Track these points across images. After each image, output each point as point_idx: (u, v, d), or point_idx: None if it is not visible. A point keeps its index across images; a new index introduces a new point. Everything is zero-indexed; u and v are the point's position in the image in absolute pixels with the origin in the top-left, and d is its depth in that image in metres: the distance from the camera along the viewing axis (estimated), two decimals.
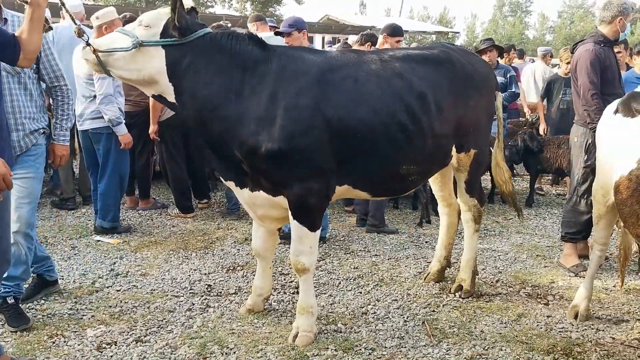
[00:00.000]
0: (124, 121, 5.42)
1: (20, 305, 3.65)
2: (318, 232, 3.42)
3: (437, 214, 5.05)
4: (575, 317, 3.83)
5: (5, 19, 3.45)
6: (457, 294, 4.20)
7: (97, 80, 5.20)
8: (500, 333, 3.63)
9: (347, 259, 4.98)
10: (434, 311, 3.95)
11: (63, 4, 3.44)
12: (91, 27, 5.48)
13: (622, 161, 3.25)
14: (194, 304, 3.97)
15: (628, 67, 6.80)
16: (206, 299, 4.07)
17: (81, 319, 3.73)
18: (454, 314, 3.90)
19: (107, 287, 4.25)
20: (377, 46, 6.15)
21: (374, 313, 3.90)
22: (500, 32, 58.59)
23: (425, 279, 4.49)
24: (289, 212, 3.35)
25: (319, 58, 3.38)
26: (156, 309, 3.89)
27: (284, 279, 4.47)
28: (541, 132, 7.92)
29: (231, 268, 4.72)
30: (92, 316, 3.77)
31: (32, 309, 3.83)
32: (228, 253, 5.09)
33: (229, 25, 7.38)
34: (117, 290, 4.20)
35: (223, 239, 5.49)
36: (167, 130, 6.13)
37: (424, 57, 3.70)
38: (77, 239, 5.41)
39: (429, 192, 5.80)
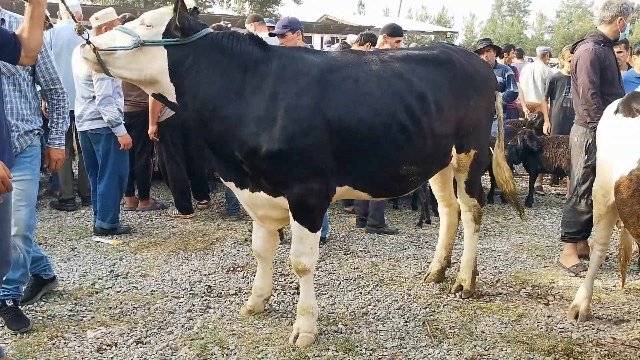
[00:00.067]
0: (123, 122, 5.41)
1: (19, 307, 3.64)
2: (318, 232, 3.42)
3: (436, 214, 5.06)
4: (576, 317, 3.83)
5: (3, 20, 3.43)
6: (457, 294, 4.20)
7: (96, 81, 5.20)
8: (501, 333, 3.63)
9: (347, 260, 4.98)
10: (434, 311, 3.95)
11: (63, 2, 3.43)
12: (89, 28, 5.46)
13: (622, 161, 3.25)
14: (194, 305, 3.96)
15: (629, 67, 6.80)
16: (206, 300, 4.06)
17: (81, 320, 3.72)
18: (454, 315, 3.90)
19: (107, 289, 4.25)
20: (377, 46, 6.15)
21: (375, 313, 3.90)
22: (499, 31, 58.66)
23: (425, 279, 4.49)
24: (290, 213, 3.35)
25: (319, 58, 3.38)
26: (156, 310, 3.88)
27: (285, 280, 4.47)
28: (545, 130, 7.93)
29: (231, 269, 4.72)
30: (92, 317, 3.76)
31: (32, 310, 3.83)
32: (228, 254, 5.09)
33: (229, 25, 7.36)
34: (117, 292, 4.20)
35: (223, 240, 5.48)
36: (167, 131, 6.13)
37: (424, 57, 3.70)
38: (76, 240, 5.40)
39: (429, 192, 5.80)
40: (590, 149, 4.47)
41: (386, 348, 3.42)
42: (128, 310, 3.87)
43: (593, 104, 4.53)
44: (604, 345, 3.50)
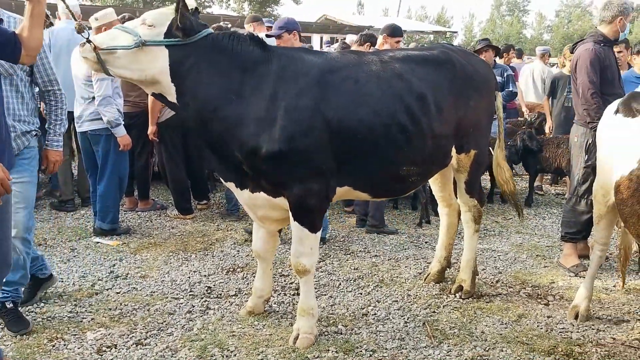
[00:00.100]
0: (122, 123, 5.40)
1: (19, 309, 3.64)
2: (319, 233, 3.42)
3: (436, 214, 5.05)
4: (576, 317, 3.83)
5: (1, 20, 3.42)
6: (457, 294, 4.19)
7: (95, 81, 5.19)
8: (501, 334, 3.63)
9: (347, 260, 4.98)
10: (434, 312, 3.94)
11: (63, 0, 3.41)
12: (89, 28, 5.45)
13: (622, 161, 3.25)
14: (194, 306, 3.96)
15: (630, 67, 6.79)
16: (206, 301, 4.06)
17: (81, 321, 3.72)
18: (454, 315, 3.89)
19: (107, 290, 4.24)
20: (376, 46, 6.15)
21: (375, 314, 3.89)
22: (498, 31, 58.69)
23: (425, 279, 4.49)
24: (290, 214, 3.35)
25: (319, 59, 3.38)
26: (156, 312, 3.88)
27: (285, 281, 4.47)
28: (547, 130, 7.93)
29: (231, 270, 4.71)
30: (92, 319, 3.76)
31: (32, 312, 3.82)
32: (228, 254, 5.08)
33: (229, 26, 7.36)
34: (117, 293, 4.19)
35: (223, 241, 5.48)
36: (166, 131, 6.12)
37: (424, 57, 3.70)
38: (76, 241, 5.40)
39: (429, 193, 5.80)
40: (591, 149, 4.47)
41: (386, 349, 3.42)
42: (128, 312, 3.87)
43: (593, 104, 4.54)
44: (604, 345, 3.50)
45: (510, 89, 7.46)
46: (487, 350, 3.42)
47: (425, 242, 5.57)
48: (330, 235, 5.60)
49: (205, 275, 4.56)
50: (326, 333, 3.59)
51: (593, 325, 3.77)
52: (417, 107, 3.45)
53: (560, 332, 3.68)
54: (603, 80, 4.58)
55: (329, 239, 5.52)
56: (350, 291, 4.29)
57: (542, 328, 3.73)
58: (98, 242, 5.35)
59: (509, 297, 4.21)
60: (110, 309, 3.90)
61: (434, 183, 4.34)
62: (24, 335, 3.48)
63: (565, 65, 7.64)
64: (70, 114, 5.56)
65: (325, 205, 3.48)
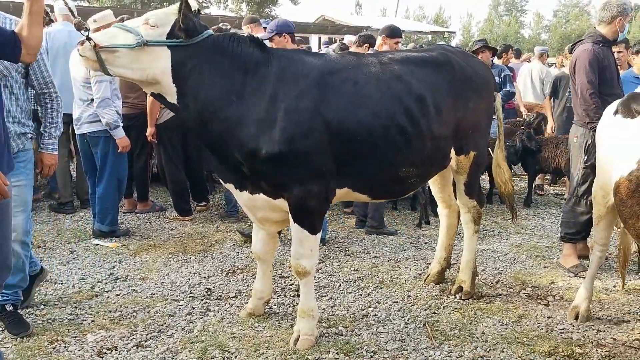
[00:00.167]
0: (121, 124, 5.39)
1: (19, 311, 3.63)
2: (319, 234, 3.41)
3: (436, 215, 5.06)
4: (576, 318, 3.83)
5: None
6: (457, 295, 4.20)
7: (94, 83, 5.18)
8: (501, 335, 3.63)
9: (346, 261, 4.98)
10: (434, 313, 3.95)
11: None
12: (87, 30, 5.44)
13: (621, 162, 3.25)
14: (194, 308, 3.96)
15: (630, 67, 6.80)
16: (206, 302, 4.06)
17: (81, 324, 3.71)
18: (454, 316, 3.90)
19: (107, 292, 4.24)
20: (375, 47, 6.15)
21: (375, 315, 3.90)
22: (496, 31, 58.75)
23: (425, 280, 4.49)
24: (289, 215, 3.35)
25: (318, 60, 3.38)
26: (156, 313, 3.87)
27: (285, 282, 4.46)
28: (549, 130, 7.93)
29: (231, 271, 4.71)
30: (92, 321, 3.75)
31: (32, 314, 3.82)
32: (227, 256, 5.08)
33: (229, 27, 7.35)
34: (117, 295, 4.19)
35: (222, 242, 5.48)
36: (165, 133, 6.12)
37: (423, 59, 3.70)
38: (75, 243, 5.39)
39: (428, 193, 5.80)
40: (590, 150, 4.47)
41: (387, 350, 3.42)
42: (128, 314, 3.86)
43: (592, 104, 4.54)
44: (604, 346, 3.51)
45: (508, 89, 7.47)
46: (488, 351, 3.42)
47: (425, 243, 5.57)
48: (329, 237, 5.60)
49: (205, 277, 4.55)
50: (327, 334, 3.59)
51: (593, 325, 3.78)
52: (417, 108, 3.46)
53: (560, 332, 3.69)
54: (602, 80, 4.59)
55: (329, 240, 5.52)
56: (351, 292, 4.29)
57: (542, 329, 3.73)
58: (97, 244, 5.34)
59: (509, 298, 4.22)
60: (110, 311, 3.90)
61: (433, 184, 4.35)
62: (24, 338, 3.48)
63: (564, 65, 7.65)
64: (69, 116, 5.57)
65: (325, 207, 3.48)
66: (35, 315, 3.82)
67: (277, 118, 3.13)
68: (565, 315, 3.91)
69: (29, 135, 3.59)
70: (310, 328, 3.46)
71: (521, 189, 7.90)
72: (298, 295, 3.87)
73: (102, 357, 3.31)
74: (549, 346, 3.47)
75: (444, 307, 4.03)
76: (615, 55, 5.07)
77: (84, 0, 32.05)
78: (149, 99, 5.73)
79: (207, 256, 5.07)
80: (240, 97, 3.18)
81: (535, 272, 4.78)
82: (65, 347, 3.41)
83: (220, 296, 4.20)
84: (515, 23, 61.27)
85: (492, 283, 4.52)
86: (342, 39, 10.36)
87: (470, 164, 3.99)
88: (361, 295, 4.24)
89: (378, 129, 3.34)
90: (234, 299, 4.15)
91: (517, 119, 9.22)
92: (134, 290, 4.28)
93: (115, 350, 3.39)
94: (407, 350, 3.43)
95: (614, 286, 4.45)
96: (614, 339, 3.59)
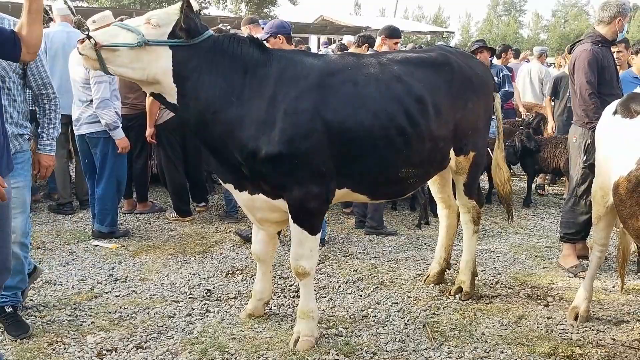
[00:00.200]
0: (120, 125, 5.39)
1: (18, 312, 3.63)
2: (318, 235, 3.41)
3: (435, 216, 5.06)
4: (576, 318, 3.84)
5: None
6: (457, 296, 4.20)
7: (93, 84, 5.18)
8: (501, 335, 3.63)
9: (346, 262, 4.98)
10: (434, 314, 3.95)
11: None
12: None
13: (621, 162, 3.26)
14: (193, 309, 3.95)
15: (629, 67, 6.80)
16: (206, 303, 4.05)
17: (81, 325, 3.71)
18: (454, 317, 3.90)
19: (106, 293, 4.23)
20: (375, 48, 6.15)
21: (375, 316, 3.89)
22: (495, 31, 58.83)
23: (425, 281, 4.49)
24: (289, 216, 3.35)
25: (318, 61, 3.38)
26: (156, 315, 3.87)
27: (284, 283, 4.46)
28: (549, 130, 7.93)
29: (230, 272, 4.71)
30: (92, 322, 3.75)
31: (32, 316, 3.81)
32: (227, 257, 5.08)
33: (229, 28, 7.35)
34: (117, 296, 4.18)
35: (222, 243, 5.47)
36: (165, 133, 6.11)
37: (422, 60, 3.70)
38: (75, 244, 5.38)
39: (428, 194, 5.80)
40: (589, 150, 4.47)
41: (387, 351, 3.42)
42: (128, 315, 3.86)
43: (591, 104, 4.55)
44: (604, 346, 3.51)
45: (506, 89, 7.48)
46: (488, 352, 3.42)
47: (425, 244, 5.57)
48: (329, 237, 5.60)
49: (204, 278, 4.55)
50: (326, 335, 3.59)
51: (593, 326, 3.78)
52: (416, 109, 3.46)
53: (560, 333, 3.69)
54: (601, 80, 4.59)
55: (328, 240, 5.52)
56: (350, 293, 4.28)
57: (542, 329, 3.73)
58: (97, 245, 5.33)
59: (508, 298, 4.22)
60: (110, 313, 3.89)
61: (433, 184, 4.35)
62: (24, 339, 3.47)
63: (562, 65, 7.66)
64: (68, 117, 5.57)
65: (325, 208, 3.48)
66: (35, 316, 3.81)
67: (276, 119, 3.13)
68: (565, 316, 3.91)
69: (27, 137, 3.58)
70: (310, 329, 3.46)
71: (521, 189, 7.90)
72: (298, 296, 3.87)
73: (102, 359, 3.30)
74: (548, 347, 3.47)
75: (443, 308, 4.03)
76: (615, 55, 5.07)
77: (83, 1, 32.03)
78: (149, 100, 5.72)
79: (206, 257, 5.07)
80: (240, 98, 3.17)
81: (535, 273, 4.78)
82: (64, 348, 3.41)
83: (220, 297, 4.19)
84: (514, 23, 61.37)
85: (491, 283, 4.52)
86: (341, 39, 10.38)
87: (470, 165, 3.99)
88: (361, 296, 4.24)
89: (377, 129, 3.34)
90: (233, 300, 4.15)
91: (516, 119, 9.23)
92: (133, 291, 4.28)
93: (115, 351, 3.38)
94: (407, 351, 3.43)
95: (613, 286, 4.46)
96: (614, 340, 3.60)
